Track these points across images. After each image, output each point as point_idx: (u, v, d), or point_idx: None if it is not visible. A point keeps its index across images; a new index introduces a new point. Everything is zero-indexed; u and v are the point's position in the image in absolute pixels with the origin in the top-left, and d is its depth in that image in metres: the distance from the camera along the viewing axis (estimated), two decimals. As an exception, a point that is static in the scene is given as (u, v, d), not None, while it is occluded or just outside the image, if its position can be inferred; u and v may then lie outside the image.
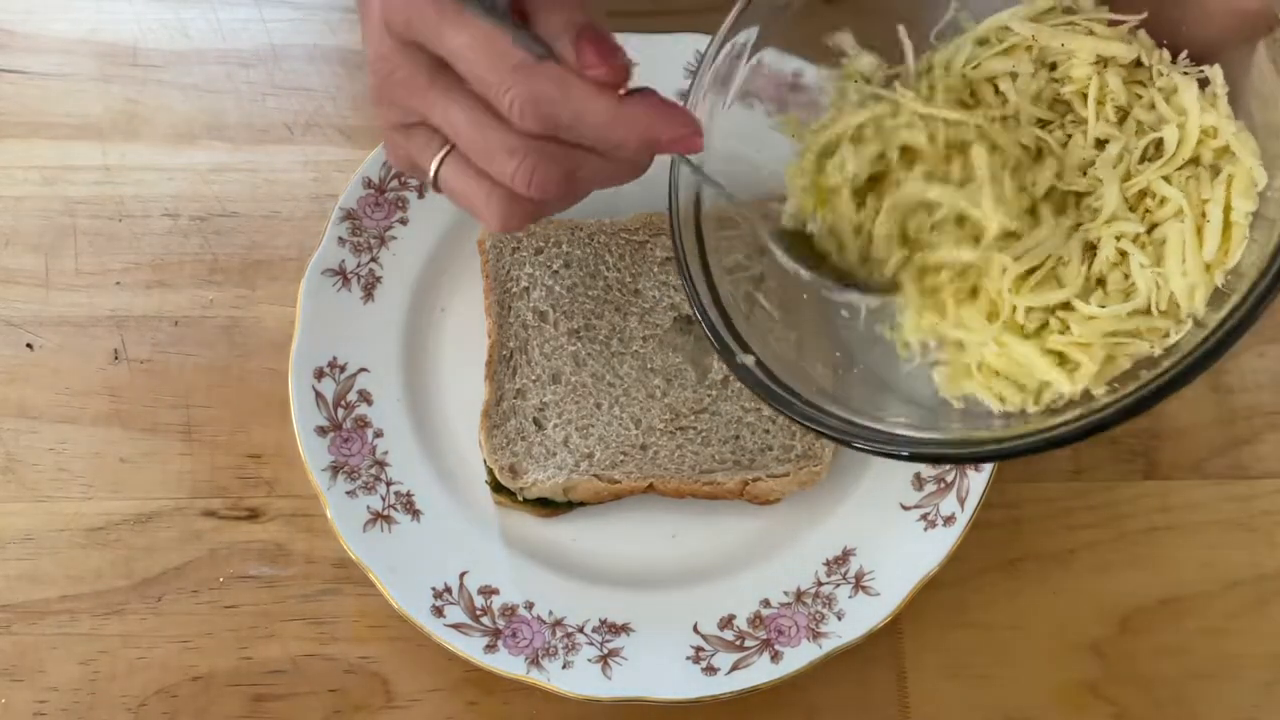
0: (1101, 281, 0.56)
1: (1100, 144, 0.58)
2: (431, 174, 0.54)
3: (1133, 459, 0.70)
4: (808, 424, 0.55)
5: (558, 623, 0.64)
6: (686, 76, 0.72)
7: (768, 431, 0.67)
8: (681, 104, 0.51)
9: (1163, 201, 0.55)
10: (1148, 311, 0.54)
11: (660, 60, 0.71)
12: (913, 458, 0.54)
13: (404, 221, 0.71)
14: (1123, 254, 0.55)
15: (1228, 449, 0.70)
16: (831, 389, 0.59)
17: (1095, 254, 0.56)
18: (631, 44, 0.71)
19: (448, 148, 0.53)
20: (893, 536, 0.66)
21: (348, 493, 0.66)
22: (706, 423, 0.67)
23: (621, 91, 0.50)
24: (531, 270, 0.70)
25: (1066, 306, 0.56)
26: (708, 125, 0.59)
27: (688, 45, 0.73)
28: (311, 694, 0.65)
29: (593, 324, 0.69)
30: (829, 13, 0.61)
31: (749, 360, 0.57)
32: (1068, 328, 0.55)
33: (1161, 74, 0.57)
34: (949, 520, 0.65)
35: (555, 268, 0.70)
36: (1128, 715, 0.66)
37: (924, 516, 0.66)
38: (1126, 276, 0.55)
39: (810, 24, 0.60)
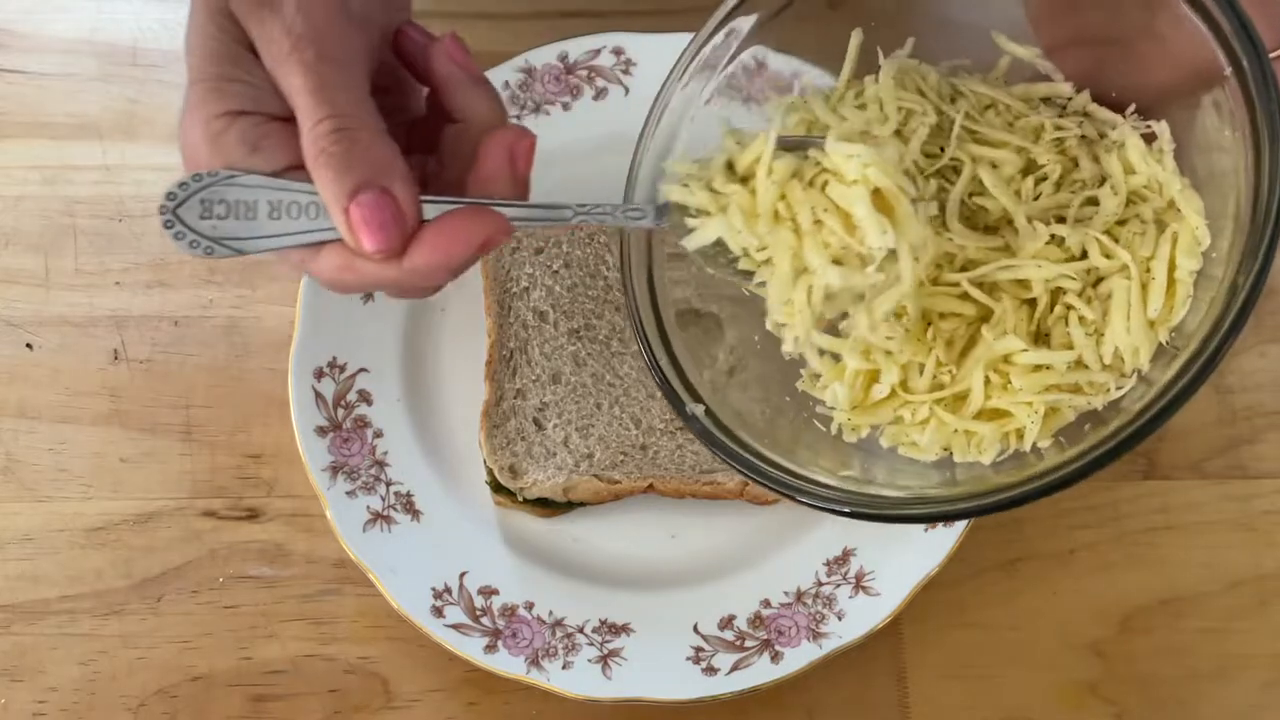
0: (1046, 336, 0.55)
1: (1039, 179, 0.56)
2: None
3: (1133, 459, 0.70)
4: (756, 477, 0.54)
5: (558, 623, 0.64)
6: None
7: (768, 431, 0.67)
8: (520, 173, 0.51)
9: (1108, 256, 0.54)
10: (1089, 366, 0.53)
11: (661, 60, 0.71)
12: (854, 515, 0.53)
13: (404, 221, 0.71)
14: (1069, 307, 0.54)
15: (1228, 449, 0.70)
16: (776, 437, 0.57)
17: (1035, 309, 0.55)
18: (632, 44, 0.73)
19: None
20: (893, 536, 0.65)
21: (348, 493, 0.66)
22: (706, 423, 0.67)
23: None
24: (531, 270, 0.70)
25: (1006, 359, 0.54)
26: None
27: (688, 45, 0.73)
28: (311, 694, 0.65)
29: (593, 324, 0.69)
30: (829, 16, 0.60)
31: (699, 410, 0.56)
32: (1008, 383, 0.54)
33: (1104, 135, 0.56)
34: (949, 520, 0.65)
35: (555, 268, 0.70)
36: (1128, 715, 0.66)
37: (924, 516, 0.66)
38: (1069, 332, 0.54)
39: (803, 27, 0.60)
